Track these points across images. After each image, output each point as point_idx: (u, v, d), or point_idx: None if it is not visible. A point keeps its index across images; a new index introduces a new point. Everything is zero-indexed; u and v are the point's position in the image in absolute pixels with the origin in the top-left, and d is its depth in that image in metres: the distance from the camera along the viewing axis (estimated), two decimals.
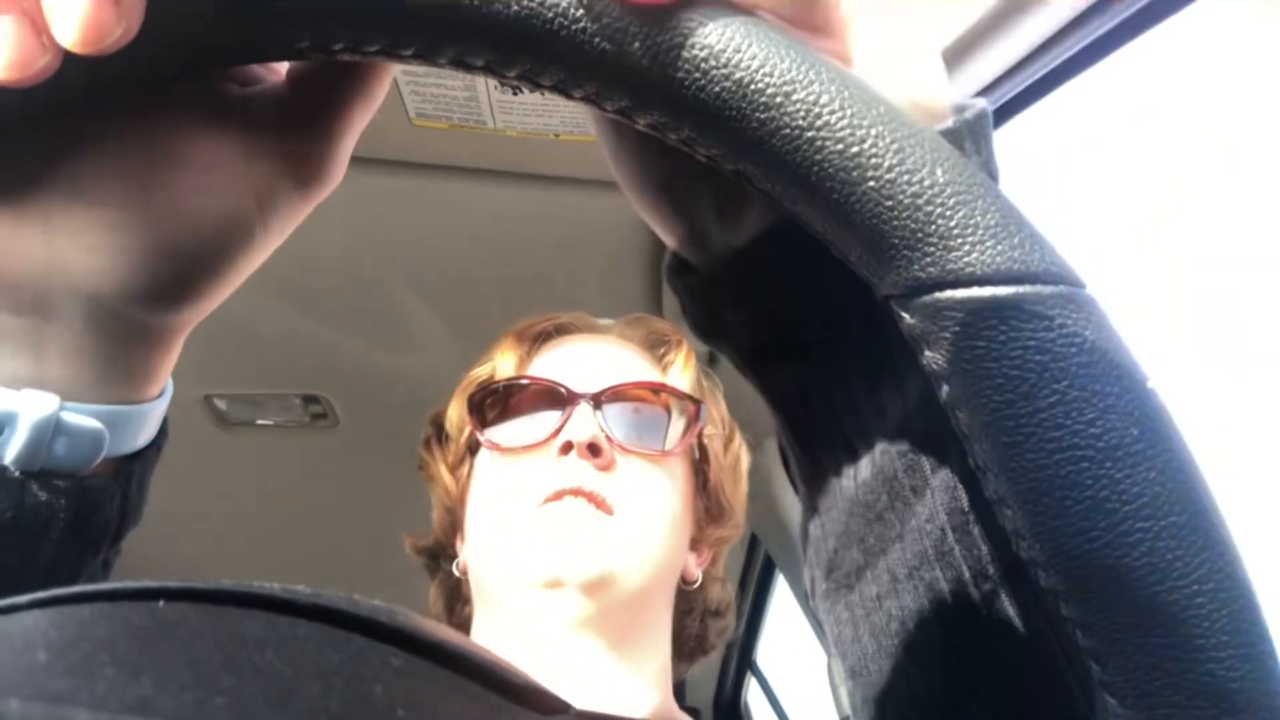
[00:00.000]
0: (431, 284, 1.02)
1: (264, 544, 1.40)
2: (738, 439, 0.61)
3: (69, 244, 0.23)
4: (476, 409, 0.55)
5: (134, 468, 0.27)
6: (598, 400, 0.52)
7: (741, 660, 1.53)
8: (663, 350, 0.60)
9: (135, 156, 0.23)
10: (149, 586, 0.20)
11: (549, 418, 0.52)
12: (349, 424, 1.23)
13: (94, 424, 0.24)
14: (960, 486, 0.24)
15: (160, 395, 0.27)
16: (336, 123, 0.26)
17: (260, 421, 1.22)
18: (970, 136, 0.22)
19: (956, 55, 0.62)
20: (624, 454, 0.52)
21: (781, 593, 1.40)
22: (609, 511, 0.49)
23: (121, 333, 0.24)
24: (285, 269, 1.00)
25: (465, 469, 0.57)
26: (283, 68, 0.27)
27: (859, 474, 0.26)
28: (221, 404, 1.18)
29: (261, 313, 1.02)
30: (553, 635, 0.48)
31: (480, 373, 0.58)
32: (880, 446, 0.26)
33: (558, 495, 0.48)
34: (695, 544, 0.57)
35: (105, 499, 0.26)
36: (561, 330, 0.60)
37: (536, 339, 0.59)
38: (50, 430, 0.23)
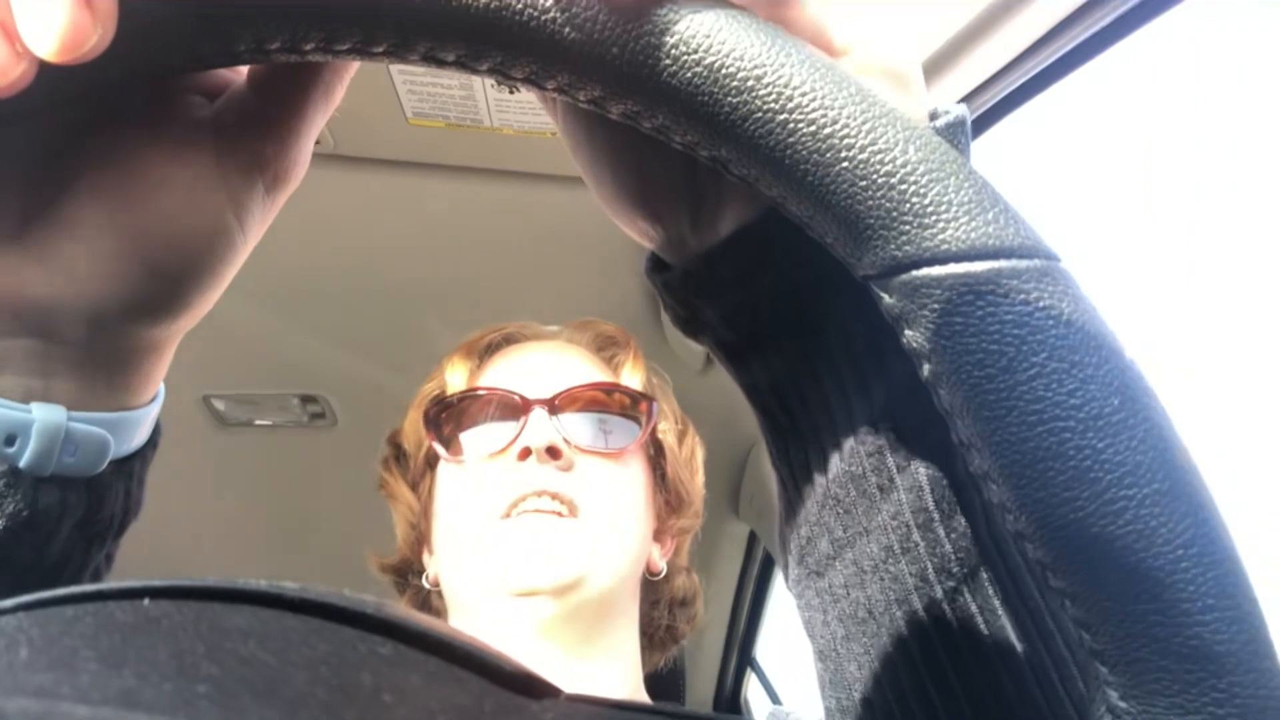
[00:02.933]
0: (429, 283, 1.02)
1: (262, 544, 1.40)
2: (691, 432, 0.63)
3: (64, 274, 0.24)
4: (432, 423, 0.55)
5: (134, 465, 0.28)
6: (552, 405, 0.53)
7: (741, 656, 1.53)
8: (612, 352, 0.61)
9: (118, 185, 0.24)
10: (134, 585, 0.20)
11: (505, 427, 0.53)
12: (347, 424, 1.22)
13: (99, 431, 0.26)
14: (926, 486, 0.25)
15: (155, 399, 0.29)
16: (300, 122, 0.27)
17: (258, 422, 1.22)
18: (949, 140, 0.22)
19: (942, 60, 0.62)
20: (582, 455, 0.53)
21: (780, 589, 1.41)
22: (574, 514, 0.50)
23: (120, 347, 0.26)
24: (282, 269, 1.00)
25: (426, 484, 0.57)
26: (243, 71, 0.27)
27: (830, 468, 0.27)
28: (220, 404, 1.18)
29: (259, 313, 1.02)
30: (524, 637, 0.48)
31: (431, 388, 0.59)
32: (849, 444, 0.26)
33: (521, 499, 0.49)
34: (658, 535, 0.58)
35: (110, 496, 0.27)
36: (509, 339, 0.61)
37: (485, 350, 0.60)
38: (60, 439, 0.25)
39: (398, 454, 0.61)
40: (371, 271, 1.00)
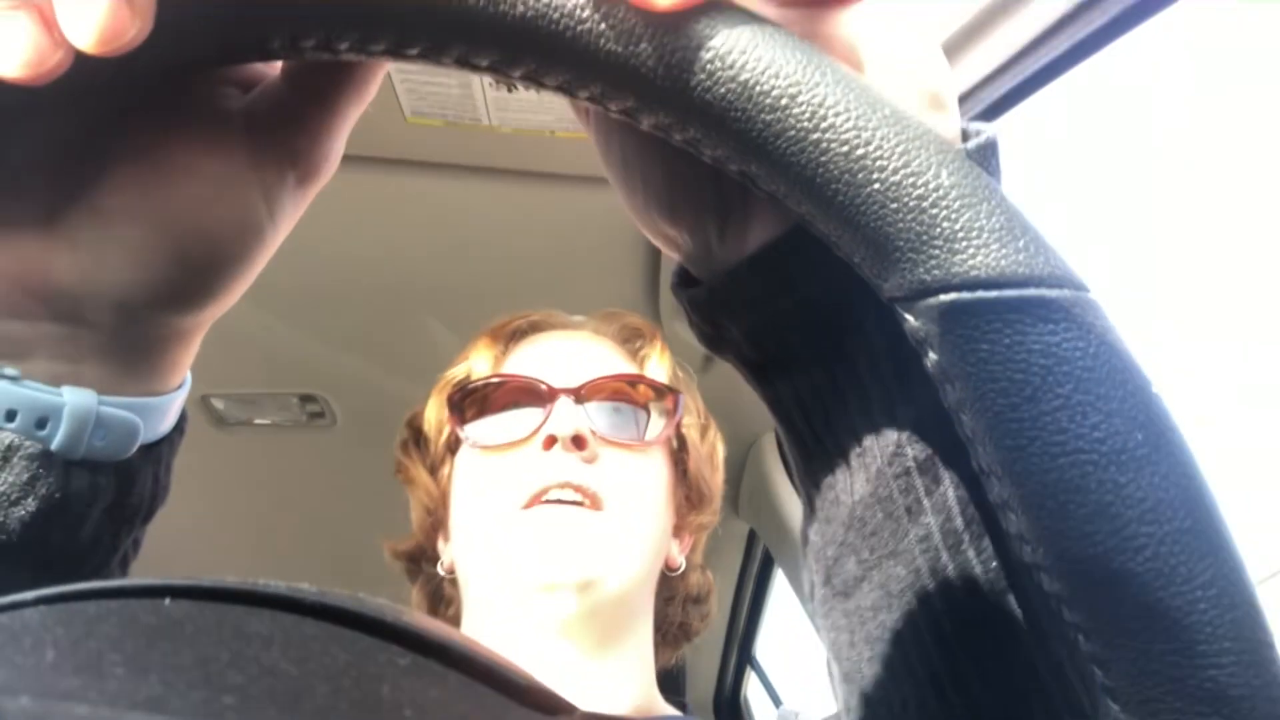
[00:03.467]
0: (428, 282, 1.02)
1: (262, 544, 1.40)
2: (713, 428, 0.62)
3: (95, 260, 0.24)
4: (456, 408, 0.55)
5: (162, 451, 0.29)
6: (578, 394, 0.52)
7: (741, 654, 1.53)
8: (638, 344, 0.60)
9: (149, 174, 0.24)
10: (154, 584, 0.20)
11: (530, 414, 0.52)
12: (346, 423, 1.22)
13: (129, 415, 0.26)
14: (955, 509, 0.25)
15: (182, 385, 0.29)
16: (333, 117, 0.27)
17: (258, 421, 1.22)
18: (980, 162, 0.22)
19: (950, 50, 0.62)
20: (607, 446, 0.52)
21: (780, 588, 1.41)
22: (598, 507, 0.49)
23: (149, 333, 0.26)
24: (281, 268, 1.00)
25: (446, 470, 0.57)
26: (277, 65, 0.27)
27: (855, 489, 0.27)
28: (219, 404, 1.18)
29: (257, 313, 1.02)
30: (542, 633, 0.48)
31: (456, 373, 0.58)
32: (876, 466, 0.26)
33: (544, 491, 0.49)
34: (677, 531, 0.58)
35: (139, 480, 0.28)
36: (535, 327, 0.61)
37: (511, 337, 0.60)
38: (90, 422, 0.25)
39: (416, 438, 0.60)
40: (370, 270, 1.00)
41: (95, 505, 0.26)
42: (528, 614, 0.48)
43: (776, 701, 1.50)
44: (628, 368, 0.57)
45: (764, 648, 1.55)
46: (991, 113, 0.66)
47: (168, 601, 0.19)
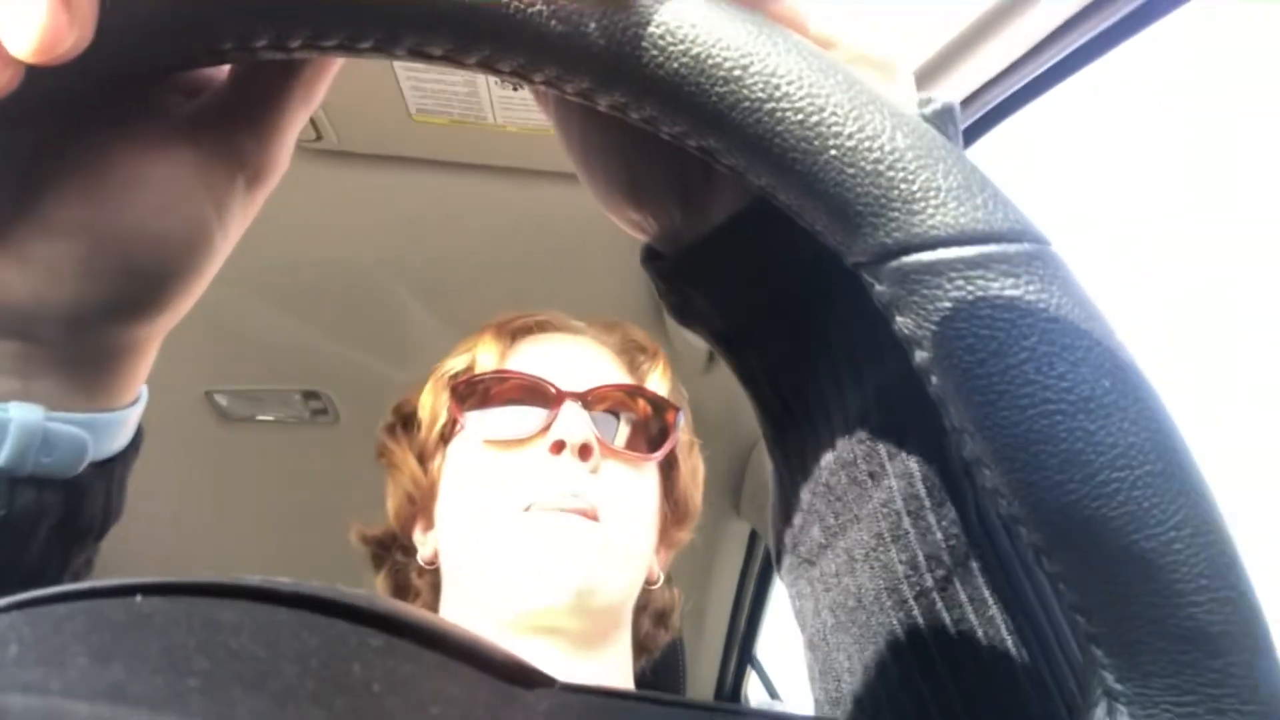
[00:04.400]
0: (432, 279, 1.02)
1: (264, 539, 1.40)
2: (697, 448, 0.62)
3: (44, 275, 0.24)
4: (460, 400, 0.54)
5: (115, 468, 0.28)
6: (585, 400, 0.52)
7: (742, 653, 1.53)
8: (639, 358, 0.60)
9: (97, 185, 0.24)
10: (125, 583, 0.20)
11: (534, 414, 0.52)
12: (349, 420, 1.22)
13: (77, 431, 0.25)
14: (917, 475, 0.25)
15: (136, 400, 0.28)
16: (282, 119, 0.27)
17: (261, 417, 1.22)
18: (937, 129, 0.22)
19: (942, 62, 0.62)
20: (609, 457, 0.52)
21: (781, 587, 1.41)
22: (595, 518, 0.49)
23: (101, 346, 0.26)
24: (285, 265, 1.00)
25: (437, 460, 0.56)
26: (223, 69, 0.27)
27: (822, 456, 0.27)
28: (222, 400, 1.18)
29: (262, 309, 1.02)
30: (524, 634, 0.48)
31: (458, 364, 0.57)
32: (842, 431, 0.27)
33: (549, 497, 0.48)
34: (658, 545, 0.58)
35: (90, 498, 0.27)
36: (541, 327, 0.60)
37: (516, 334, 0.59)
38: (37, 438, 0.24)
39: (405, 423, 0.59)
40: (374, 267, 1.00)
41: (42, 523, 0.25)
42: (515, 614, 0.48)
43: (776, 699, 1.50)
44: (628, 378, 0.57)
45: (764, 647, 1.55)
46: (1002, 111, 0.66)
47: (138, 598, 0.19)
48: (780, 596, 1.44)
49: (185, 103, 0.26)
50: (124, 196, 0.24)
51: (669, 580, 0.62)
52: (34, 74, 0.18)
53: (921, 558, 0.25)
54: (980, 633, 0.24)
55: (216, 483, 1.29)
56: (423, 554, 0.56)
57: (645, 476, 0.54)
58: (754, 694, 1.59)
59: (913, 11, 0.61)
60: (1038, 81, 0.63)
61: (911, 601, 0.25)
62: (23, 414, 0.24)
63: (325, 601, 0.20)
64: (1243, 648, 0.16)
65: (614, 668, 0.52)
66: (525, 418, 0.52)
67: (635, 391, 0.55)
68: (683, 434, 0.59)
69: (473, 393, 0.55)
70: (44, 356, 0.25)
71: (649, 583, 0.57)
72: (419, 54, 0.19)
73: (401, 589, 0.60)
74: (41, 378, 0.25)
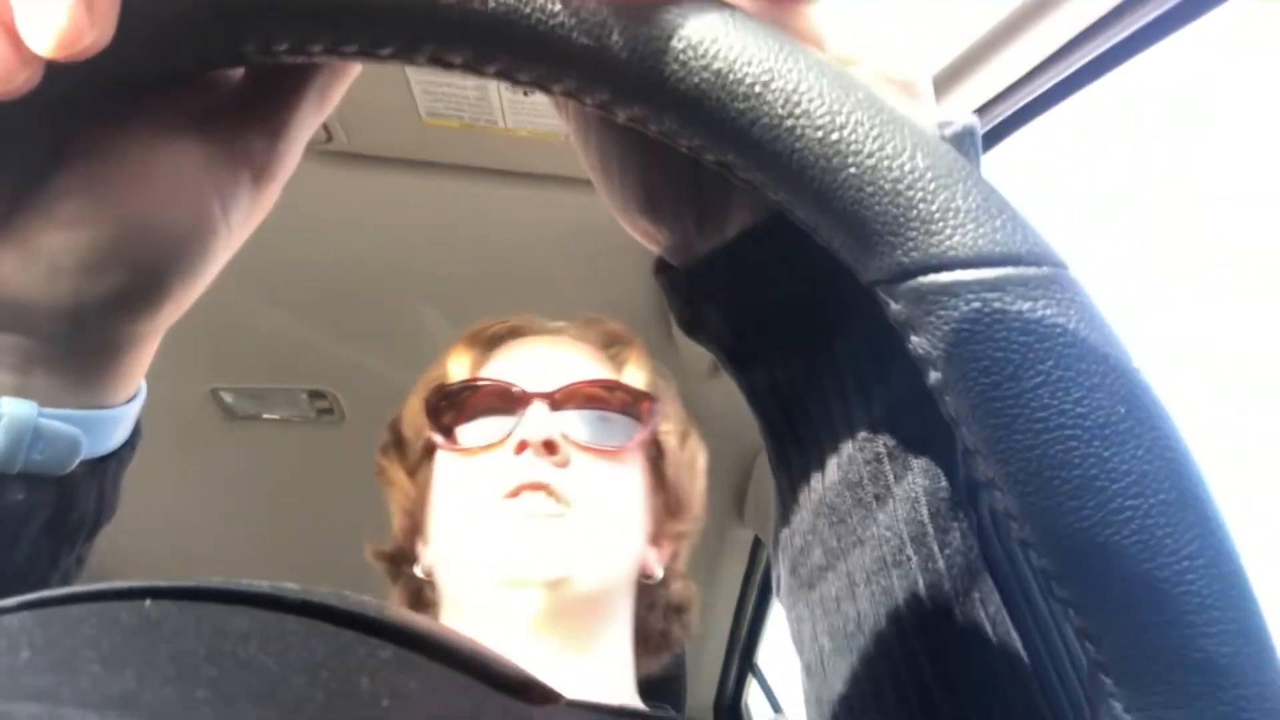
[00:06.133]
0: (440, 282, 1.03)
1: (269, 538, 1.40)
2: (694, 436, 0.62)
3: (47, 267, 0.23)
4: (433, 412, 0.55)
5: (109, 467, 0.28)
6: (552, 399, 0.52)
7: (743, 662, 1.53)
8: (616, 350, 0.60)
9: (102, 177, 0.24)
10: (136, 586, 0.20)
11: (504, 419, 0.53)
12: (355, 419, 1.23)
13: (70, 429, 0.25)
14: (922, 500, 0.25)
15: (134, 398, 0.28)
16: (293, 120, 0.26)
17: (266, 416, 1.22)
18: (957, 150, 0.22)
19: (959, 70, 0.62)
20: (580, 451, 0.52)
21: None
22: (567, 503, 0.49)
23: (101, 341, 0.25)
24: (294, 265, 1.01)
25: (424, 472, 0.57)
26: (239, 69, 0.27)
27: (827, 476, 0.27)
28: (228, 397, 1.18)
29: (269, 308, 1.02)
30: (512, 633, 0.48)
31: (433, 376, 0.58)
32: (848, 452, 0.26)
33: (516, 491, 0.49)
34: (656, 539, 0.57)
35: (82, 497, 0.26)
36: (514, 332, 0.61)
37: (489, 341, 0.60)
38: (28, 435, 0.24)
39: (397, 441, 0.60)
40: (383, 269, 1.00)
41: (33, 520, 0.25)
42: (498, 611, 0.48)
43: (776, 708, 1.50)
44: (605, 373, 0.57)
45: (765, 655, 1.54)
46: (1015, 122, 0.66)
47: (148, 603, 0.19)
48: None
49: (193, 96, 0.26)
50: (129, 187, 0.24)
51: (684, 576, 0.62)
52: (53, 72, 0.18)
53: (922, 585, 0.25)
54: (979, 663, 0.24)
55: (220, 480, 1.30)
56: (422, 566, 0.57)
57: (624, 468, 0.54)
58: (754, 703, 1.58)
59: (925, 22, 0.61)
60: (1051, 93, 0.63)
61: (910, 629, 0.25)
62: (14, 409, 0.24)
63: (333, 610, 0.20)
64: (1254, 680, 0.16)
65: (611, 669, 0.52)
66: (496, 425, 0.53)
67: (608, 385, 0.55)
68: (667, 423, 0.58)
69: (450, 405, 0.55)
70: (43, 351, 0.24)
71: (646, 577, 0.57)
72: (438, 62, 0.19)
73: (416, 602, 0.61)
74: (39, 373, 0.24)
